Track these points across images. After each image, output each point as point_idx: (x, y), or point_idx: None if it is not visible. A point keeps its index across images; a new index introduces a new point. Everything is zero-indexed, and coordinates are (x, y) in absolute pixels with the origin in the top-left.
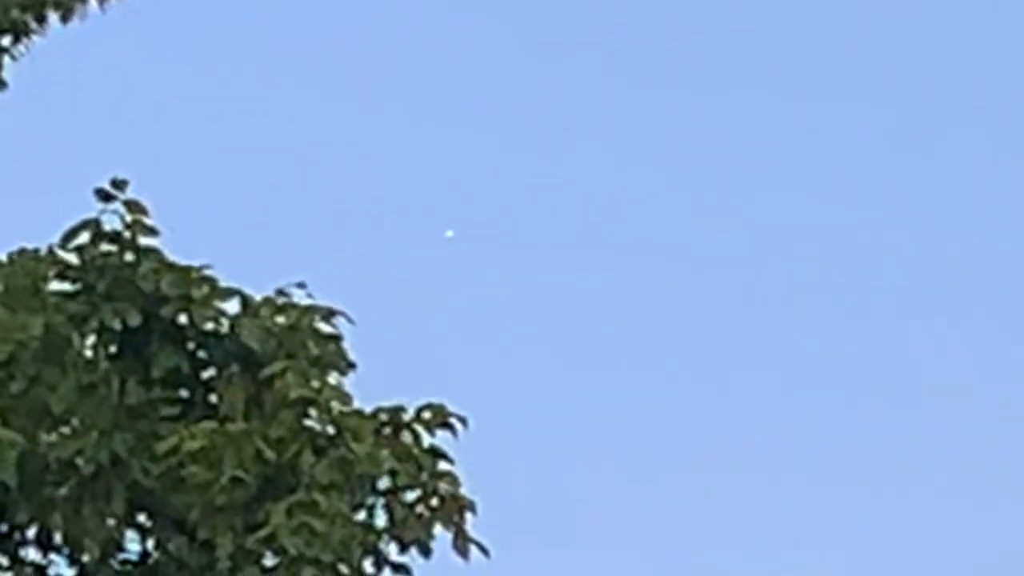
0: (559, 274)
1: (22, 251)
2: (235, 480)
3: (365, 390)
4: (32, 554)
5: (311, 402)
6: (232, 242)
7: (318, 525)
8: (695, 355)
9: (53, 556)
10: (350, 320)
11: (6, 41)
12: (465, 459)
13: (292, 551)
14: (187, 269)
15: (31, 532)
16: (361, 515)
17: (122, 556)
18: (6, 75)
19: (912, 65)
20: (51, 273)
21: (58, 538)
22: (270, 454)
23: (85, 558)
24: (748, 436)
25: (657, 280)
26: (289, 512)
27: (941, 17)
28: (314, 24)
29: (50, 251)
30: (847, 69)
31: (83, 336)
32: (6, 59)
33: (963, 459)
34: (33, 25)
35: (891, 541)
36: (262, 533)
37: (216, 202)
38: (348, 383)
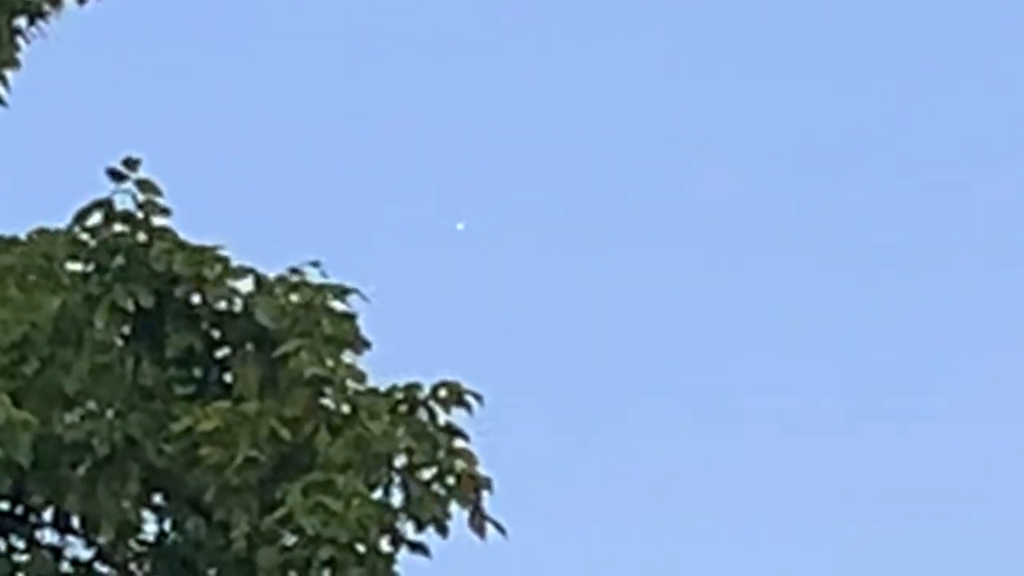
0: (574, 255)
1: (40, 231)
2: (250, 460)
3: (380, 369)
4: (48, 536)
5: (326, 381)
6: (247, 222)
7: (334, 504)
8: (713, 331)
9: (69, 538)
10: (364, 298)
11: (21, 22)
12: (481, 437)
13: (309, 531)
14: (200, 249)
15: (47, 514)
16: (377, 494)
17: (139, 537)
18: (21, 57)
19: None
20: (66, 254)
21: (74, 520)
22: (285, 433)
23: (101, 540)
24: (765, 406)
25: (672, 258)
26: (305, 492)
27: None
28: (332, 5)
29: (70, 231)
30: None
31: (96, 317)
32: (21, 41)
33: None
34: (47, 7)
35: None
36: (278, 513)
37: (230, 181)
38: (363, 362)
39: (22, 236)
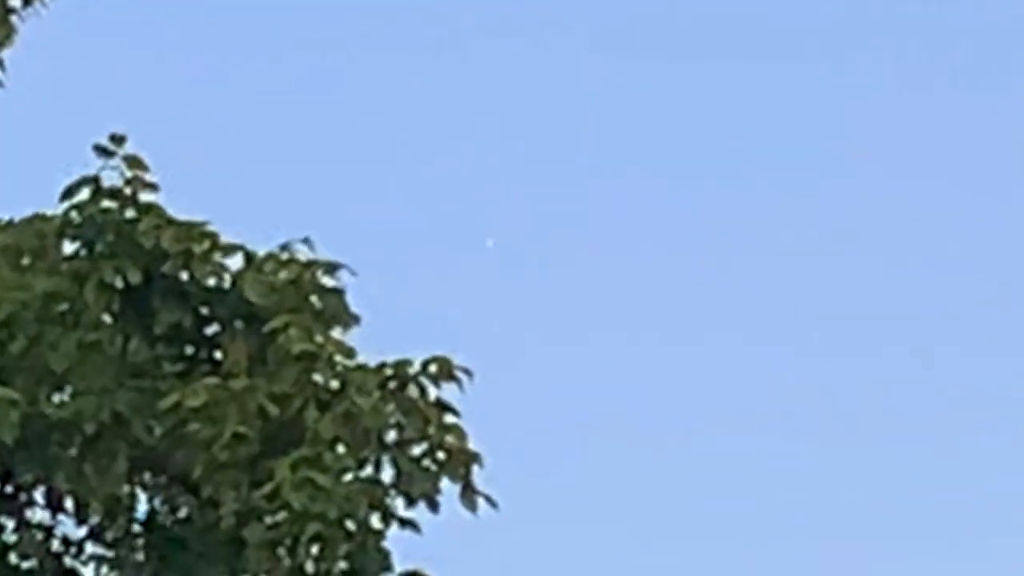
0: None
1: (38, 216)
2: (238, 436)
3: (371, 344)
4: (39, 515)
5: (315, 357)
6: (242, 199)
7: (322, 480)
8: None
9: (60, 517)
10: (353, 273)
11: (15, 2)
12: (471, 412)
13: (296, 506)
14: (188, 225)
15: (37, 493)
16: (367, 470)
17: (130, 516)
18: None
19: None
20: (56, 233)
21: (66, 499)
22: (273, 409)
23: (92, 518)
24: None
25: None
26: (293, 467)
27: None
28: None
29: (66, 213)
30: None
31: (84, 294)
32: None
33: None
34: None
35: None
36: (266, 489)
37: (225, 158)
38: (354, 337)
39: (12, 218)
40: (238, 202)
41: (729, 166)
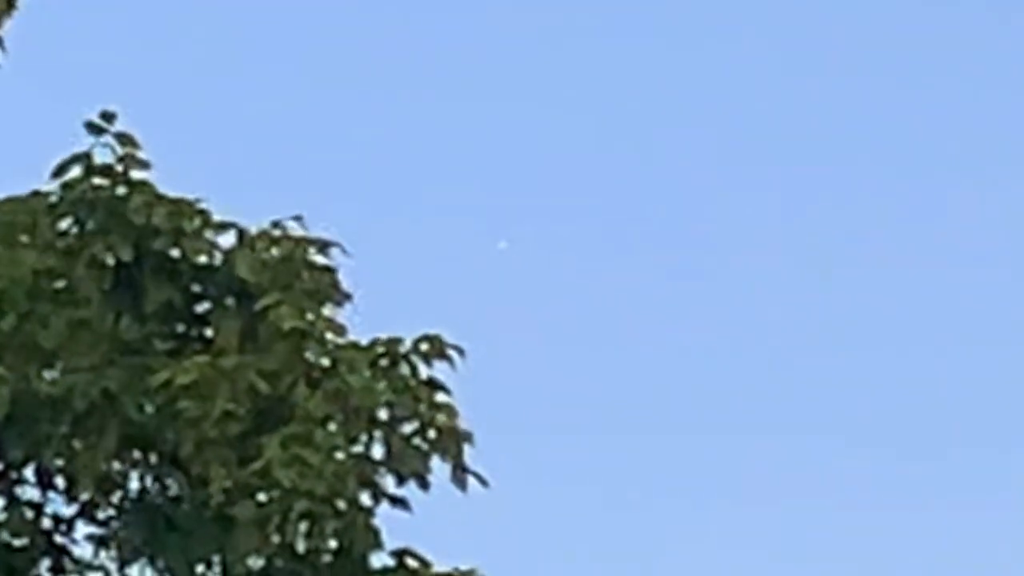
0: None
1: (31, 193)
2: (227, 413)
3: (363, 322)
4: (29, 492)
5: (305, 334)
6: (237, 177)
7: (312, 458)
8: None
9: (51, 495)
10: (345, 251)
11: None
12: (463, 390)
13: (285, 483)
14: (179, 202)
15: (27, 471)
16: (358, 448)
17: (120, 494)
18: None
19: None
20: (47, 210)
21: (57, 478)
22: (263, 387)
23: (83, 496)
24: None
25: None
26: (283, 445)
27: None
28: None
29: (63, 190)
30: None
31: (75, 271)
32: None
33: None
34: None
35: None
36: (255, 466)
37: (219, 135)
38: (346, 316)
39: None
40: (233, 180)
41: (729, 165)
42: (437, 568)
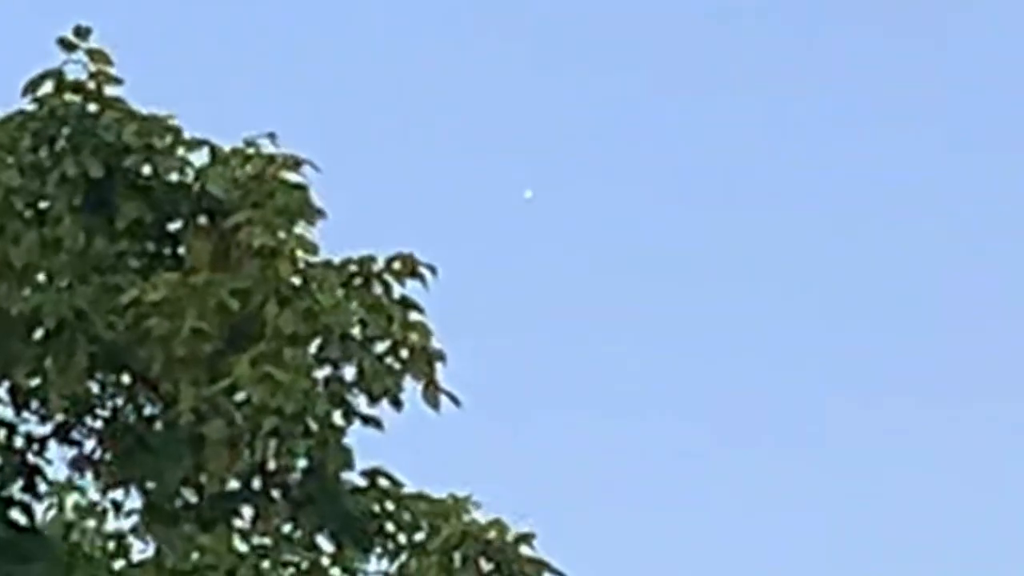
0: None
1: (20, 112)
2: (197, 331)
3: (336, 241)
4: (2, 411)
5: (276, 252)
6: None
7: (281, 376)
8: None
9: (24, 415)
10: (316, 168)
11: None
12: (435, 308)
13: (255, 401)
14: (151, 118)
15: (1, 390)
16: (329, 367)
17: (94, 414)
18: None
19: None
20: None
21: (30, 399)
22: (233, 304)
23: (58, 417)
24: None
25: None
26: (253, 363)
27: None
28: None
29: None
30: None
31: (45, 188)
32: None
33: None
34: None
35: None
36: (224, 383)
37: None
38: (318, 234)
39: None
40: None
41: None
42: (409, 489)
